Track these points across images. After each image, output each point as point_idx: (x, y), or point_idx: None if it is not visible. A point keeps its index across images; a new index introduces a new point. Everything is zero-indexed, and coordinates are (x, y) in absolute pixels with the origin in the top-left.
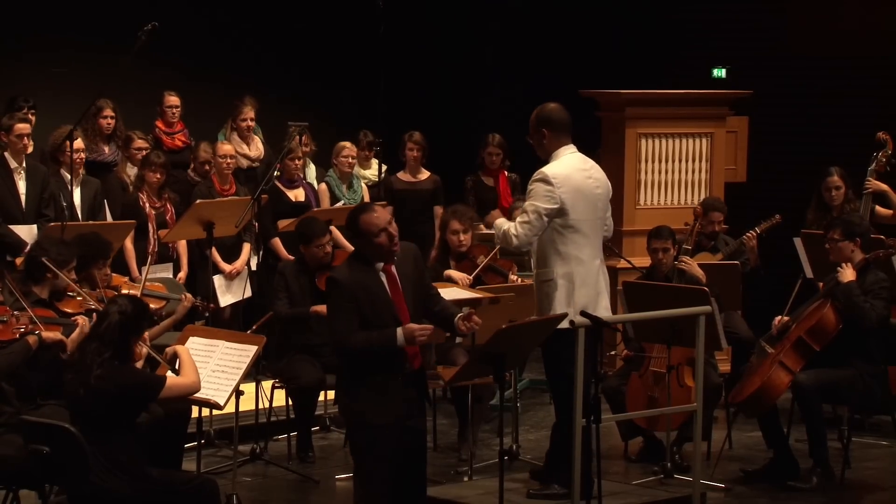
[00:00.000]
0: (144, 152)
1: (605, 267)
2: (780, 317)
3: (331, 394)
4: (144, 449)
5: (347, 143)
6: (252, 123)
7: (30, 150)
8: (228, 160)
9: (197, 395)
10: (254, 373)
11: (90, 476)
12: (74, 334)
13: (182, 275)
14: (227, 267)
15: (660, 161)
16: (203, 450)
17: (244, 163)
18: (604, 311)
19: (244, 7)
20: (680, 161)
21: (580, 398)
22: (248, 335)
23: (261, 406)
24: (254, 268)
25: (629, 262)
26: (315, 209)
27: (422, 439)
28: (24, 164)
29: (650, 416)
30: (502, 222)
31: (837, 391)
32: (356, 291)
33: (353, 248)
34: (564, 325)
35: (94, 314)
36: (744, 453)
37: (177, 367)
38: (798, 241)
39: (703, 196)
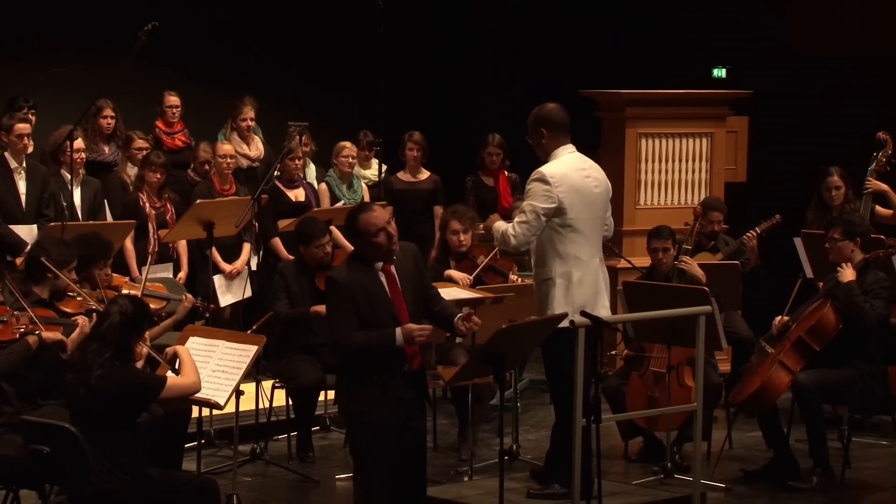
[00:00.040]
0: (145, 152)
1: (605, 266)
2: (780, 317)
3: (331, 394)
4: (144, 449)
5: (347, 143)
6: (252, 123)
7: (30, 150)
8: (228, 160)
9: (197, 395)
10: (254, 373)
11: (90, 476)
12: (74, 334)
13: (182, 275)
14: (227, 267)
15: (660, 161)
16: (203, 450)
17: (244, 163)
18: (603, 310)
19: (244, 7)
20: (680, 161)
21: (580, 398)
22: (248, 335)
23: (261, 406)
24: (254, 268)
25: (629, 262)
26: (315, 209)
27: (422, 439)
28: (24, 164)
29: (650, 416)
30: (500, 224)
31: (837, 391)
32: (355, 291)
33: (353, 249)
34: (564, 324)
35: (95, 314)
36: (744, 453)
37: (177, 367)
38: (798, 241)
39: (703, 196)
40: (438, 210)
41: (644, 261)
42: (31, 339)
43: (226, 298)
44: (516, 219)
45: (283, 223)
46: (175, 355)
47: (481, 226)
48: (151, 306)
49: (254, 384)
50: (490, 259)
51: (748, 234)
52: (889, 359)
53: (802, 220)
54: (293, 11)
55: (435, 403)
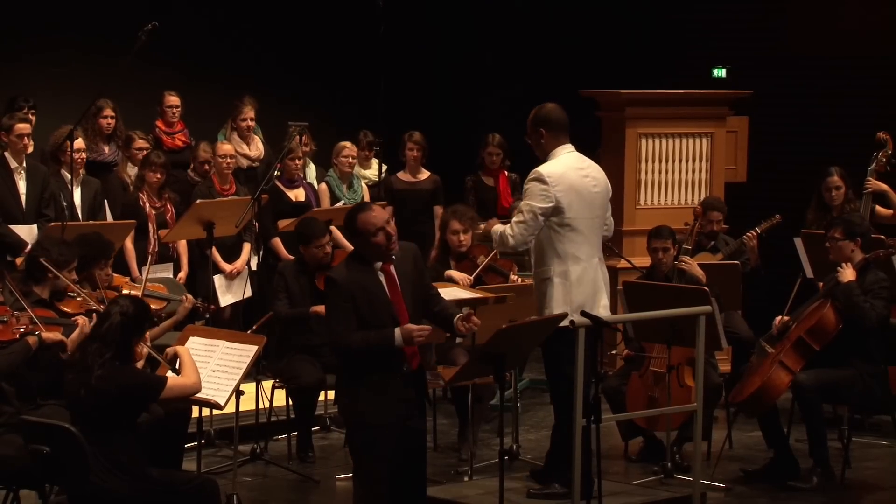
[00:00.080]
0: (145, 152)
1: (605, 266)
2: (780, 317)
3: (331, 394)
4: (144, 449)
5: (347, 143)
6: (252, 123)
7: (30, 150)
8: (228, 160)
9: (197, 395)
10: (254, 373)
11: (90, 476)
12: (74, 334)
13: (182, 275)
14: (227, 267)
15: (660, 161)
16: (203, 450)
17: (244, 163)
18: (602, 309)
19: (244, 7)
20: (680, 161)
21: (580, 398)
22: (248, 335)
23: (261, 406)
24: (254, 268)
25: (629, 262)
26: (315, 209)
27: (422, 439)
28: (24, 164)
29: (650, 416)
30: (498, 227)
31: (837, 391)
32: (354, 291)
33: (353, 249)
34: (564, 323)
35: (95, 315)
36: (744, 453)
37: (177, 367)
38: (798, 241)
39: (703, 196)
40: (438, 210)
41: (644, 261)
42: (32, 339)
43: (226, 298)
44: (514, 219)
45: (283, 223)
46: (176, 355)
47: (482, 227)
48: (152, 307)
49: (254, 384)
50: (490, 259)
51: (748, 234)
52: (889, 359)
53: (802, 220)
54: (293, 11)
55: (435, 403)
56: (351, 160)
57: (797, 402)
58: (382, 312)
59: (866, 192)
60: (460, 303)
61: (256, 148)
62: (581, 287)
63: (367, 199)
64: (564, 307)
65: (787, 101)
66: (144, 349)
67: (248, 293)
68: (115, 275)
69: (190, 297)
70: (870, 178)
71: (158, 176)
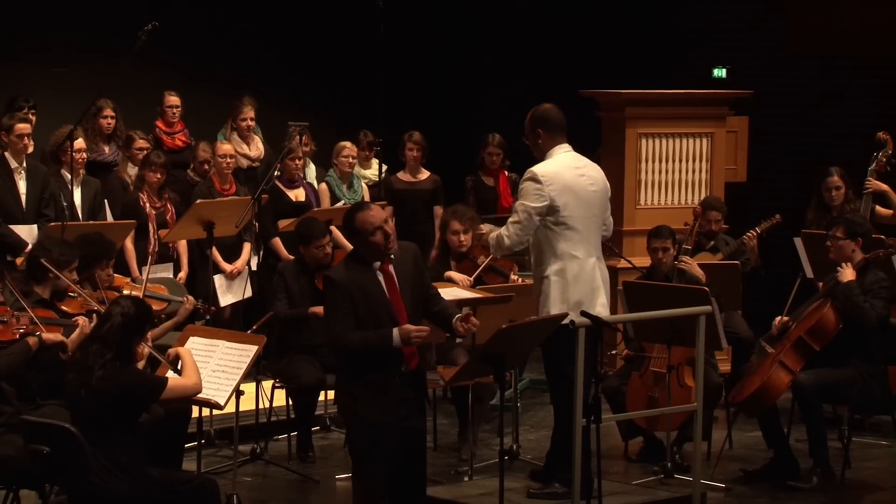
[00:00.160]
0: (145, 152)
1: (605, 265)
2: (780, 317)
3: (331, 394)
4: (145, 449)
5: (347, 143)
6: (252, 123)
7: (30, 150)
8: (228, 160)
9: (198, 395)
10: (254, 373)
11: (90, 476)
12: (74, 335)
13: (182, 275)
14: (227, 267)
15: (660, 161)
16: (203, 450)
17: (244, 163)
18: (601, 307)
19: (244, 7)
20: (680, 161)
21: (580, 398)
22: (248, 335)
23: (261, 406)
24: (254, 268)
25: (629, 262)
26: (315, 209)
27: (421, 439)
28: (24, 164)
29: (650, 416)
30: (493, 234)
31: (837, 391)
32: (352, 291)
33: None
34: (563, 322)
35: (95, 315)
36: (744, 453)
37: (179, 367)
38: (798, 241)
39: (703, 196)
40: (438, 210)
41: (644, 261)
42: (32, 340)
43: (226, 298)
44: (510, 219)
45: (283, 223)
46: (177, 357)
47: (483, 227)
48: (153, 307)
49: (254, 384)
50: (490, 259)
51: (748, 233)
52: (889, 359)
53: (802, 220)
54: (293, 11)
55: (435, 403)
56: (351, 160)
57: (797, 402)
58: (381, 312)
59: (866, 192)
60: (460, 303)
61: (256, 148)
62: (578, 285)
63: (367, 199)
64: (561, 305)
65: (787, 101)
66: (146, 349)
67: (249, 293)
68: (115, 275)
69: (191, 298)
70: (870, 178)
71: (158, 176)
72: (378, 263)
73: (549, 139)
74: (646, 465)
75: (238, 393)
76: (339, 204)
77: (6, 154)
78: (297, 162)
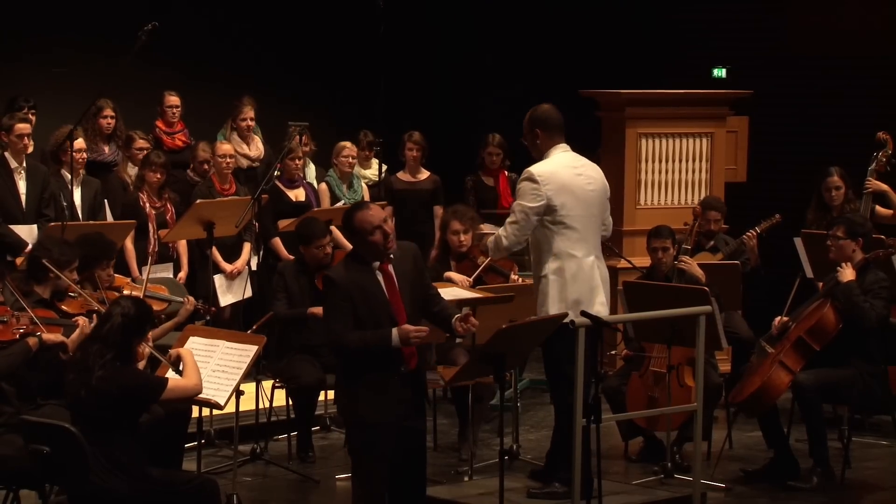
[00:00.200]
0: (145, 152)
1: (605, 264)
2: (780, 317)
3: (331, 394)
4: (145, 449)
5: (347, 143)
6: (252, 123)
7: (30, 150)
8: (228, 160)
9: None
10: (254, 373)
11: (90, 476)
12: (75, 335)
13: (182, 275)
14: (227, 267)
15: (660, 161)
16: (203, 450)
17: (244, 163)
18: (599, 306)
19: (244, 7)
20: (680, 161)
21: (580, 398)
22: (248, 335)
23: (261, 406)
24: (254, 268)
25: (629, 261)
26: (315, 209)
27: (421, 439)
28: (24, 164)
29: (650, 416)
30: (491, 238)
31: (837, 391)
32: (352, 290)
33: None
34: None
35: (95, 315)
36: (744, 453)
37: (180, 368)
38: (798, 241)
39: (703, 196)
40: (438, 210)
41: (644, 261)
42: (32, 340)
43: (226, 298)
44: (507, 220)
45: (283, 223)
46: (179, 358)
47: (482, 227)
48: (153, 308)
49: (254, 384)
50: (490, 259)
51: (748, 233)
52: (889, 359)
53: (802, 220)
54: (293, 11)
55: (435, 403)
56: (351, 160)
57: (797, 402)
58: (380, 312)
59: (866, 192)
60: (461, 303)
61: (256, 148)
62: (576, 284)
63: (367, 199)
64: (560, 304)
65: (787, 101)
66: (146, 349)
67: (249, 293)
68: (116, 275)
69: (192, 299)
70: (870, 178)
71: (158, 176)
72: (377, 263)
73: (547, 139)
74: (646, 465)
75: (238, 393)
76: (339, 204)
77: (6, 154)
78: (297, 162)
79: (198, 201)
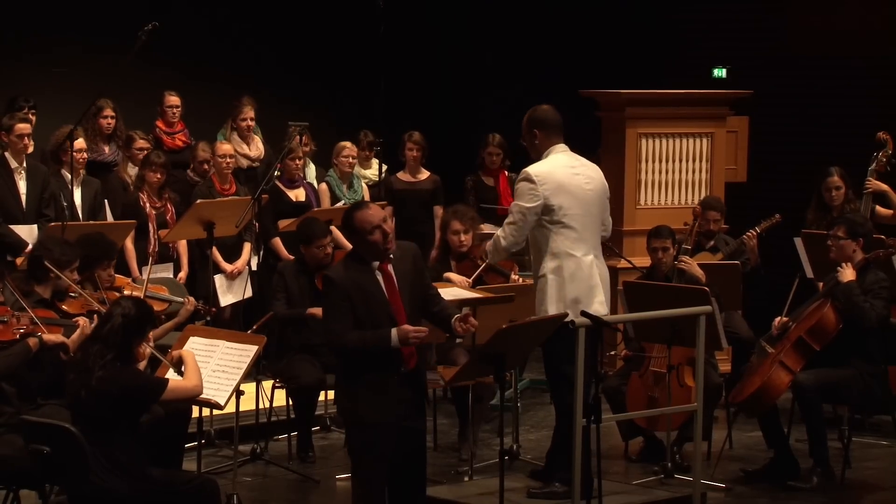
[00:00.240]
0: (145, 152)
1: (605, 263)
2: (780, 317)
3: (331, 394)
4: (145, 449)
5: (347, 143)
6: (252, 123)
7: (30, 150)
8: (228, 160)
9: None
10: (254, 373)
11: (90, 476)
12: (75, 335)
13: (182, 275)
14: (227, 267)
15: (660, 161)
16: (203, 450)
17: (244, 163)
18: (598, 305)
19: (244, 7)
20: (680, 161)
21: (580, 398)
22: (248, 335)
23: (261, 406)
24: (254, 268)
25: (629, 261)
26: (315, 209)
27: (421, 439)
28: (24, 164)
29: (650, 416)
30: (489, 242)
31: (837, 391)
32: (351, 290)
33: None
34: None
35: (96, 315)
36: (744, 453)
37: (182, 369)
38: (798, 241)
39: (703, 196)
40: (438, 210)
41: (644, 261)
42: (32, 341)
43: (226, 298)
44: (505, 220)
45: (283, 223)
46: (181, 359)
47: (482, 225)
48: (154, 308)
49: (254, 384)
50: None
51: (748, 233)
52: (889, 359)
53: (802, 220)
54: (293, 11)
55: (435, 403)
56: (351, 160)
57: (797, 402)
58: (379, 312)
59: (866, 192)
60: (461, 303)
61: (256, 148)
62: (575, 283)
63: (367, 198)
64: (558, 303)
65: (787, 101)
66: (147, 350)
67: (249, 293)
68: (117, 276)
69: (192, 299)
70: (870, 178)
71: (158, 176)
72: (377, 263)
73: (545, 140)
74: (646, 465)
75: (238, 393)
76: (340, 204)
77: (6, 154)
78: (297, 162)
79: (198, 201)
